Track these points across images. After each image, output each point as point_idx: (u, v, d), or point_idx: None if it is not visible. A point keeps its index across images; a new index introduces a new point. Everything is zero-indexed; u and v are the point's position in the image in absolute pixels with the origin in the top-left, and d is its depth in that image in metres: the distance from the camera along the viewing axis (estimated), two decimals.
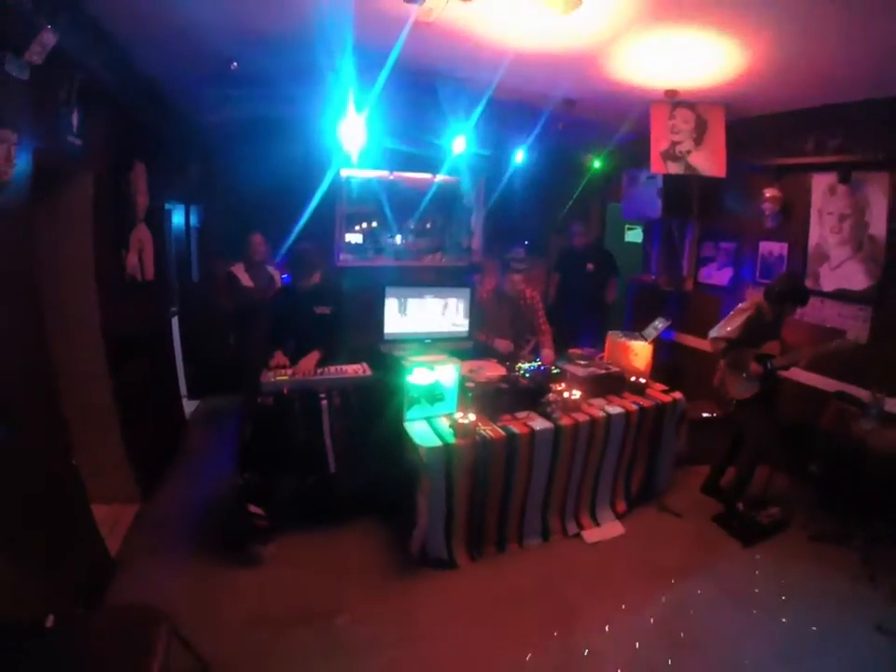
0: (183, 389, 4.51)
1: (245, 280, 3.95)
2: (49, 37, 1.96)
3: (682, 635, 2.39)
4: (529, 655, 2.24)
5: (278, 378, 2.86)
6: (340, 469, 2.91)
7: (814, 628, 2.44)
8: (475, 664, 2.20)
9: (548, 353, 3.64)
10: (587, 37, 2.72)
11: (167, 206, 4.28)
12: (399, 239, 5.19)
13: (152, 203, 3.58)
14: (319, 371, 2.98)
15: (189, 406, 4.58)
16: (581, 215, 5.37)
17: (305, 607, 2.43)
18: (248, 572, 2.63)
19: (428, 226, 5.34)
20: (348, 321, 3.29)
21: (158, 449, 3.55)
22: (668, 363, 4.27)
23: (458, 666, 2.19)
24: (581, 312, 4.79)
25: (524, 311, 3.79)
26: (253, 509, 2.73)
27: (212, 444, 4.07)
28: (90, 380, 2.86)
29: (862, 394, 3.24)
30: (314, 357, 3.04)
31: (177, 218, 4.61)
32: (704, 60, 3.00)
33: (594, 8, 2.36)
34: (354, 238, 5.11)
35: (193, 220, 4.72)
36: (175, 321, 4.46)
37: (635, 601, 2.58)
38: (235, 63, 3.12)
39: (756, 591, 2.70)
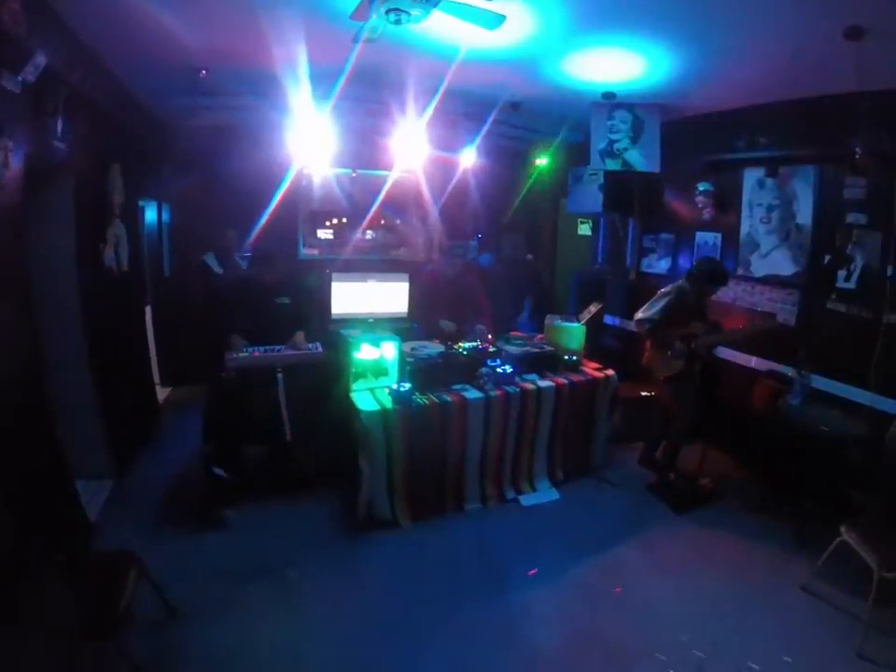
0: (156, 377, 4.74)
1: (216, 268, 4.21)
2: (41, 59, 2.24)
3: (605, 592, 2.59)
4: (463, 608, 2.45)
5: (240, 355, 3.13)
6: (295, 437, 3.16)
7: (738, 588, 2.61)
8: (411, 612, 2.41)
9: (480, 328, 3.84)
10: (525, 44, 2.95)
11: (141, 203, 4.53)
12: (368, 234, 5.45)
13: (127, 200, 3.82)
14: (277, 349, 3.24)
15: (161, 393, 4.80)
16: (522, 224, 5.66)
17: (261, 563, 2.67)
18: (212, 534, 2.88)
19: (398, 222, 5.61)
20: (306, 309, 3.57)
21: (133, 431, 3.77)
22: (612, 348, 4.54)
23: (396, 613, 2.40)
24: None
25: (465, 293, 4.07)
26: (218, 472, 2.98)
27: (183, 428, 4.25)
28: (71, 364, 3.07)
29: (791, 373, 3.46)
30: (300, 335, 3.36)
31: (150, 215, 4.85)
32: (638, 64, 3.25)
33: (523, 22, 2.60)
34: (325, 234, 5.35)
35: (165, 217, 4.96)
36: (148, 312, 4.69)
37: (564, 561, 2.80)
38: (204, 72, 3.41)
39: (683, 555, 2.89)
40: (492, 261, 4.92)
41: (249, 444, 3.18)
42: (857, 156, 2.85)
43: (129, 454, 3.58)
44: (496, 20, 2.25)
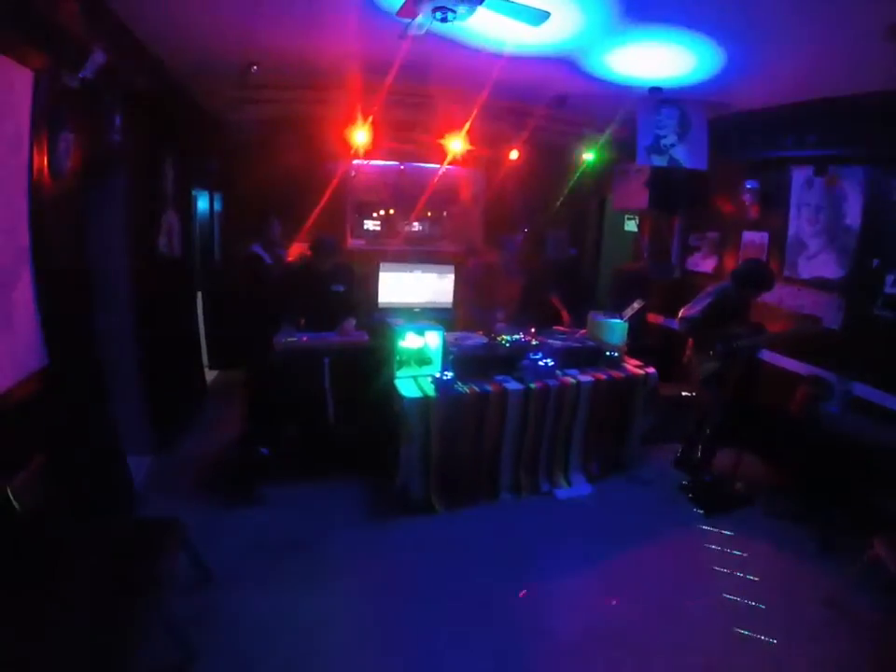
0: (205, 360, 4.96)
1: (267, 259, 4.37)
2: (99, 57, 2.37)
3: (630, 588, 2.61)
4: (490, 593, 2.51)
5: (289, 340, 3.29)
6: (338, 419, 3.29)
7: (762, 596, 2.58)
8: (438, 594, 2.48)
9: (564, 315, 3.92)
10: (571, 39, 2.97)
11: (193, 193, 4.73)
12: (415, 226, 5.52)
13: (180, 190, 4.02)
14: (325, 335, 3.38)
15: (209, 375, 5.02)
16: (567, 219, 5.64)
17: (297, 539, 2.79)
18: (251, 509, 3.01)
19: (445, 214, 5.66)
20: (358, 297, 3.73)
21: (179, 410, 3.96)
22: (655, 346, 4.51)
23: (424, 594, 2.48)
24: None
25: (512, 290, 4.12)
26: (262, 449, 3.13)
27: (228, 409, 4.46)
28: (122, 345, 3.25)
29: (832, 380, 3.41)
30: (351, 322, 3.50)
31: (202, 204, 5.06)
32: (686, 60, 3.22)
33: (569, 18, 2.62)
34: (372, 224, 5.41)
35: (217, 206, 5.17)
36: (199, 297, 4.91)
37: (592, 555, 2.83)
38: (255, 67, 3.54)
39: (709, 557, 2.87)
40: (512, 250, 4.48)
41: (292, 424, 3.30)
42: None
43: (174, 432, 3.76)
44: (540, 16, 2.28)
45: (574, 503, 3.32)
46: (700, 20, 2.65)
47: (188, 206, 4.44)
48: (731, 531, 3.13)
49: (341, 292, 3.62)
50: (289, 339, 3.28)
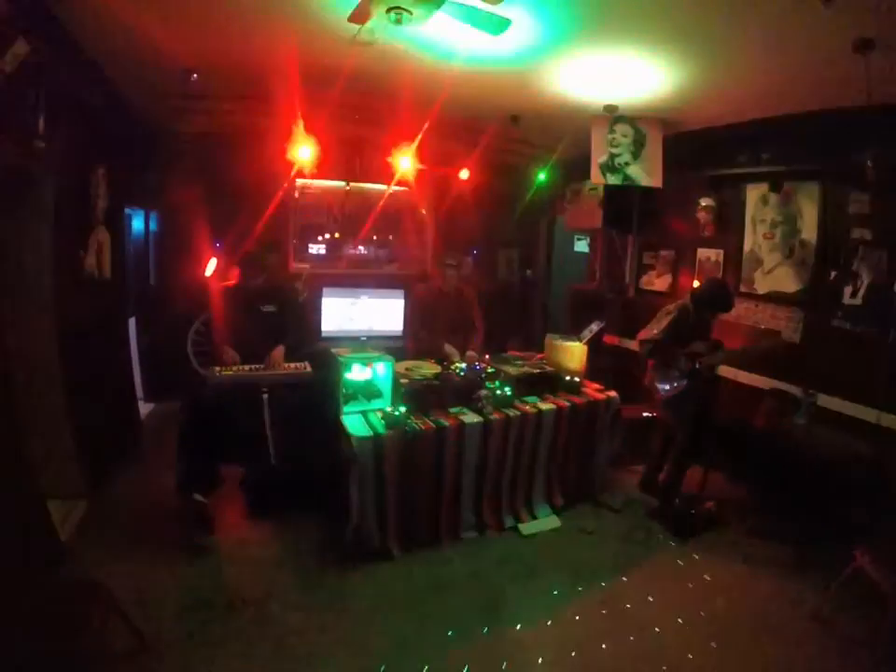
0: (139, 391, 4.55)
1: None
2: (21, 47, 2.09)
3: (608, 627, 2.46)
4: (456, 642, 2.31)
5: (224, 373, 2.97)
6: (281, 460, 2.99)
7: (745, 617, 2.53)
8: (402, 647, 2.26)
9: (471, 354, 3.71)
10: (527, 54, 2.88)
11: (127, 211, 4.37)
12: (360, 248, 5.33)
13: (112, 205, 3.66)
14: (260, 367, 3.08)
15: (144, 408, 4.61)
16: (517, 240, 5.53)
17: (241, 594, 2.50)
18: (190, 561, 2.70)
19: (391, 237, 5.51)
20: (293, 320, 3.40)
21: (111, 447, 3.58)
22: (612, 367, 4.42)
23: (385, 650, 2.25)
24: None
25: (461, 308, 3.94)
26: (196, 497, 2.82)
27: (165, 445, 4.07)
28: (43, 375, 2.91)
29: (797, 392, 3.40)
30: (280, 350, 3.16)
31: (137, 223, 4.69)
32: (641, 78, 3.19)
33: (527, 30, 2.52)
34: (317, 248, 5.22)
35: (152, 226, 4.81)
36: (132, 323, 4.52)
37: (563, 592, 2.67)
38: (195, 75, 3.29)
39: (686, 584, 2.79)
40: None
41: (231, 466, 3.01)
42: (868, 169, 2.77)
43: (106, 471, 3.39)
44: (501, 24, 2.15)
45: (541, 538, 3.13)
46: (658, 37, 2.61)
47: (120, 224, 4.08)
48: (706, 554, 3.05)
49: (272, 314, 3.30)
50: (223, 371, 2.97)
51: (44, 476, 2.65)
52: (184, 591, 2.50)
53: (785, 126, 3.56)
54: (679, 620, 2.52)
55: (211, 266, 4.13)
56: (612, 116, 3.93)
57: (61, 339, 2.93)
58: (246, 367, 3.07)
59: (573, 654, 2.28)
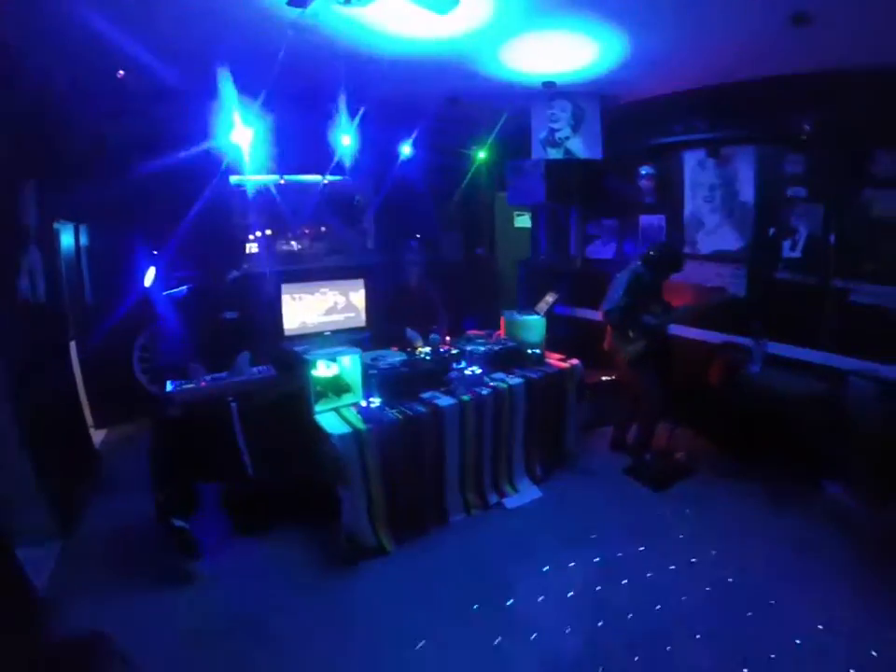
0: (89, 419, 4.27)
1: None
2: None
3: (606, 590, 2.52)
4: (464, 627, 2.31)
5: (185, 387, 2.84)
6: (259, 471, 2.88)
7: (736, 555, 2.70)
8: (412, 641, 2.24)
9: (433, 338, 3.70)
10: (467, 37, 2.85)
11: (56, 226, 4.04)
12: (294, 245, 5.17)
13: (42, 222, 3.38)
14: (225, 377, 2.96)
15: (97, 436, 4.34)
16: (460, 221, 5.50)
17: (239, 617, 2.40)
18: (180, 589, 2.57)
19: (323, 229, 5.35)
20: (256, 324, 3.30)
21: (73, 482, 3.34)
22: (567, 336, 4.53)
23: (394, 645, 2.23)
24: None
25: (425, 302, 3.96)
26: (178, 524, 2.67)
27: (127, 472, 3.86)
28: None
29: (748, 343, 3.58)
30: (244, 357, 3.07)
31: (66, 239, 4.36)
32: (578, 53, 3.23)
33: (472, 7, 2.47)
34: (251, 247, 4.99)
35: (83, 240, 4.48)
36: (73, 347, 4.22)
37: (560, 561, 2.71)
38: (122, 72, 3.09)
39: (674, 532, 2.92)
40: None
41: (209, 486, 2.86)
42: (805, 132, 2.94)
43: (72, 508, 3.17)
44: (448, 3, 2.12)
45: (526, 510, 3.20)
46: (597, 12, 2.63)
47: (51, 242, 3.75)
48: (684, 502, 3.23)
49: (234, 320, 3.19)
50: (187, 385, 2.83)
51: (10, 523, 2.44)
52: (179, 619, 2.39)
53: (719, 95, 3.72)
54: (673, 569, 2.64)
55: (150, 276, 3.93)
56: (550, 91, 3.99)
57: (6, 373, 2.70)
58: (208, 377, 2.95)
59: (581, 626, 2.32)
